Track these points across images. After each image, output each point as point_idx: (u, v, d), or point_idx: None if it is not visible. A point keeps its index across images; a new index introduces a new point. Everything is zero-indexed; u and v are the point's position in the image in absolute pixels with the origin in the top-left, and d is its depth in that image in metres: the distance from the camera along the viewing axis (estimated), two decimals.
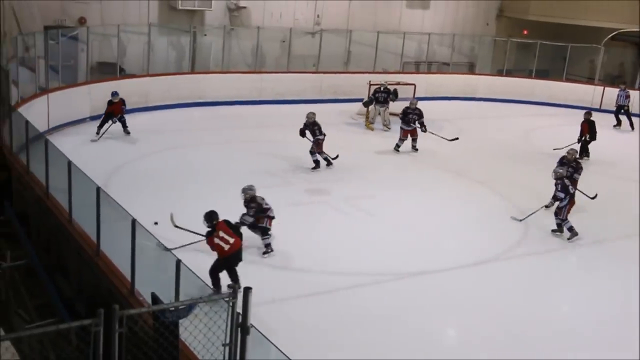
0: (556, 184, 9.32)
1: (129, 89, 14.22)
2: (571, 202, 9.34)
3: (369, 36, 18.86)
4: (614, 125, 16.98)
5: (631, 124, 17.01)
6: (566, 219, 9.34)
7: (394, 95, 15.20)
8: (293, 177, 11.23)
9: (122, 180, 10.29)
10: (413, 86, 16.68)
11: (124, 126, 12.68)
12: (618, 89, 17.24)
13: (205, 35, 17.19)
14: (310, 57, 18.57)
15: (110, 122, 12.38)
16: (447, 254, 8.77)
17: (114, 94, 12.58)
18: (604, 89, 19.07)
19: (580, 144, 13.39)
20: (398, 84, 16.56)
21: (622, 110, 17.01)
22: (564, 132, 16.18)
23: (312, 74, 17.94)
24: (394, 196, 10.80)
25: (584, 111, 14.23)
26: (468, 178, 12.01)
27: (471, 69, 21.41)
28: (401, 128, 13.20)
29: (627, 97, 17.05)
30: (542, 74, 20.23)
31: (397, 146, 13.21)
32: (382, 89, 15.13)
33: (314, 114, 11.61)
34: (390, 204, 10.40)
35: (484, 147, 14.29)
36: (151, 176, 10.67)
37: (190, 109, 15.58)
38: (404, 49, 19.26)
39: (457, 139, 13.28)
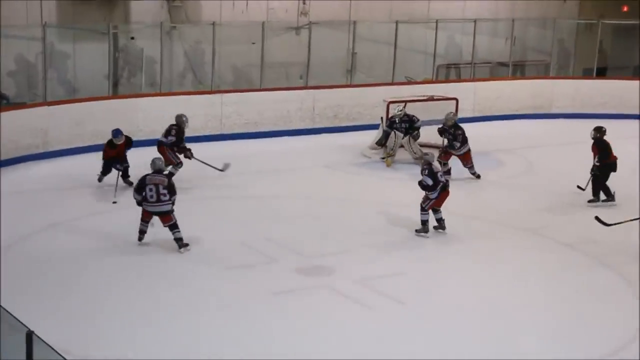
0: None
1: (14, 126, 14.19)
2: (442, 194, 11.68)
3: (383, 29, 19.10)
4: None
5: None
6: (427, 210, 11.74)
7: (415, 129, 15.35)
8: (277, 249, 11.21)
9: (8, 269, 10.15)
10: (454, 101, 16.72)
11: (125, 176, 13.46)
12: None
13: (133, 38, 17.49)
14: (294, 65, 18.70)
15: (116, 171, 13.32)
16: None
17: (117, 133, 13.38)
18: None
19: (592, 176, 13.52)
20: (431, 98, 16.63)
21: None
22: None
23: (299, 90, 18.15)
24: (434, 271, 10.85)
25: None
26: (550, 239, 12.15)
27: (544, 71, 21.58)
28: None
29: None
30: None
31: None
32: (400, 117, 15.36)
33: None
34: (430, 284, 10.44)
35: (570, 193, 14.26)
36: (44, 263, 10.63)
37: None
38: (437, 46, 19.48)
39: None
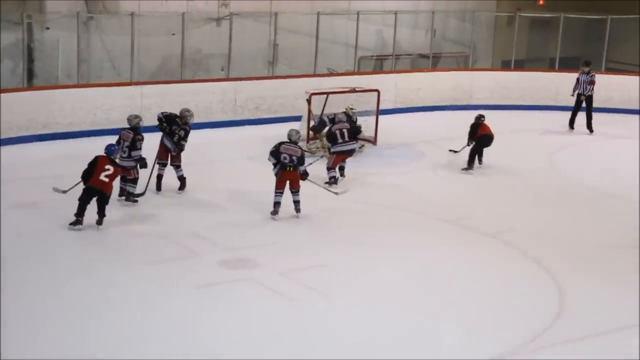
0: None
1: None
2: (280, 175, 12.06)
3: (305, 21, 19.11)
4: (570, 127, 18.68)
5: (589, 123, 18.43)
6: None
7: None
8: (200, 243, 11.09)
9: None
10: (376, 93, 16.80)
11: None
12: (580, 72, 18.43)
13: (48, 28, 17.08)
14: (215, 57, 18.56)
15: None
16: (450, 352, 8.71)
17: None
18: None
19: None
20: (353, 90, 16.71)
21: (585, 100, 18.37)
22: (608, 150, 16.66)
23: (220, 81, 18.03)
24: (358, 264, 10.85)
25: (638, 116, 14.79)
26: (472, 230, 12.32)
27: (463, 63, 21.87)
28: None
29: (591, 83, 18.29)
30: (569, 64, 20.87)
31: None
32: (350, 116, 15.03)
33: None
34: (354, 277, 10.45)
35: (490, 183, 14.71)
36: None
37: (30, 145, 15.42)
38: (358, 38, 19.56)
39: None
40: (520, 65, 21.73)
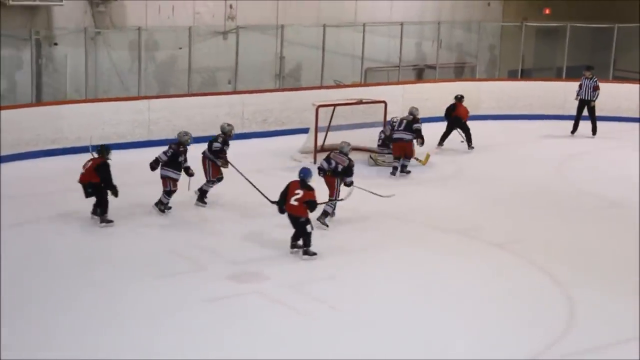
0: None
1: None
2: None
3: (311, 33, 19.16)
4: (572, 132, 18.95)
5: (594, 127, 18.72)
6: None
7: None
8: (209, 256, 11.16)
9: None
10: (382, 104, 16.84)
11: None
12: (583, 77, 18.65)
13: (56, 44, 17.12)
14: (222, 70, 18.59)
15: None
16: None
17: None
18: None
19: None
20: (360, 102, 16.75)
21: (587, 107, 18.71)
22: (616, 159, 16.66)
23: (227, 95, 18.12)
24: (367, 276, 10.86)
25: None
26: (479, 240, 12.33)
27: (470, 73, 21.86)
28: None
29: (596, 88, 18.46)
30: (576, 73, 20.72)
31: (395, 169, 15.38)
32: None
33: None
34: (364, 290, 10.45)
35: (497, 192, 14.70)
36: None
37: (38, 160, 15.47)
38: (364, 50, 19.60)
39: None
40: (527, 75, 21.73)
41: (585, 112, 18.82)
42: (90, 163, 12.04)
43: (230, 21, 18.95)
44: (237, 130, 17.61)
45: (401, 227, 12.82)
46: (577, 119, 18.87)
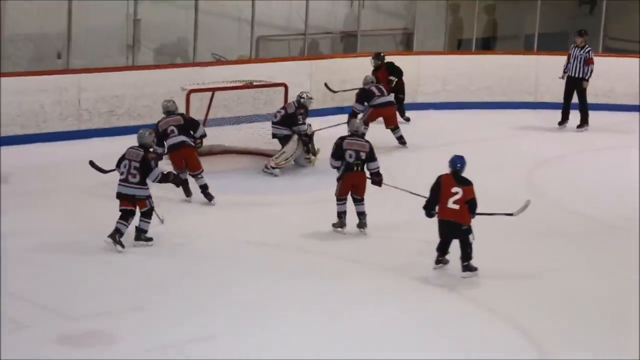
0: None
1: None
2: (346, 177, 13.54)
3: None
4: (559, 123, 19.87)
5: (584, 117, 19.57)
6: (340, 198, 13.66)
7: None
8: (31, 310, 11.12)
9: None
10: (282, 88, 16.99)
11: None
12: (572, 46, 19.38)
13: None
14: (49, 39, 18.56)
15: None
16: None
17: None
18: None
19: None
20: (250, 85, 16.95)
21: (577, 88, 19.31)
22: (607, 163, 17.04)
23: (56, 75, 18.08)
24: (257, 333, 10.88)
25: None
26: (422, 282, 12.48)
27: (405, 44, 22.09)
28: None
29: (589, 62, 19.11)
30: (553, 44, 21.41)
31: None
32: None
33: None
34: (253, 354, 10.49)
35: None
36: None
37: None
38: (255, 11, 19.81)
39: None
40: (484, 46, 22.19)
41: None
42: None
43: None
44: (71, 126, 17.66)
45: (309, 260, 13.01)
46: (566, 104, 19.39)
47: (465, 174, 12.09)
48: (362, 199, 13.60)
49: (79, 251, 12.88)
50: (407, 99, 20.24)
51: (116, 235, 12.67)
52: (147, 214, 12.90)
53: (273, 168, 16.04)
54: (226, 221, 14.29)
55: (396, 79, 19.52)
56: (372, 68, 19.02)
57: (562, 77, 19.34)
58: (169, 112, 14.84)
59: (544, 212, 14.94)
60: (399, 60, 20.37)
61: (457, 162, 12.06)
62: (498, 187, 15.71)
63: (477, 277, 12.34)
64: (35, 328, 10.64)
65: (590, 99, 19.55)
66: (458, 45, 22.36)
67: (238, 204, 14.92)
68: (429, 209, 12.16)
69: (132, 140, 17.00)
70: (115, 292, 11.64)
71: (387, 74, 19.35)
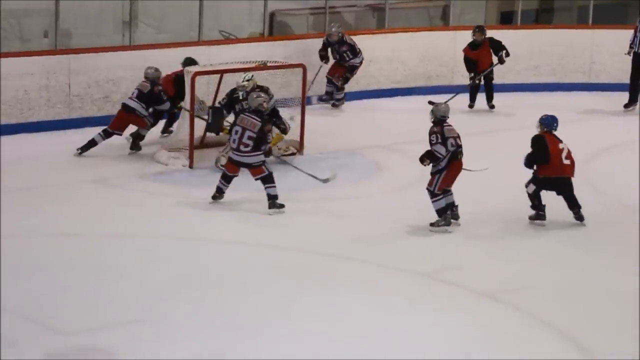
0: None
1: None
2: (452, 167, 13.81)
3: None
4: (625, 105, 20.08)
5: None
6: (440, 193, 13.89)
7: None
8: (20, 324, 11.00)
9: None
10: (300, 69, 17.03)
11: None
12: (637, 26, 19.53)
13: None
14: (35, 15, 18.75)
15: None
16: None
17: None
18: None
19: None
20: (264, 67, 16.85)
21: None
22: None
23: (44, 55, 18.23)
24: (273, 348, 10.82)
25: None
26: (461, 287, 12.48)
27: (440, 18, 22.12)
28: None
29: None
30: (611, 17, 21.46)
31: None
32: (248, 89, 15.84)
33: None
34: None
35: (489, 215, 14.92)
36: None
37: None
38: None
39: None
40: (530, 20, 22.04)
41: None
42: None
43: None
44: (60, 114, 17.68)
45: (336, 267, 12.95)
46: (633, 83, 19.53)
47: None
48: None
49: (71, 257, 12.85)
50: (444, 81, 20.20)
51: (217, 195, 14.44)
52: (267, 180, 14.25)
53: (222, 165, 15.86)
54: (235, 223, 14.29)
55: (500, 61, 19.54)
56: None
57: (629, 53, 19.44)
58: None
59: (598, 208, 14.95)
60: (433, 37, 20.40)
61: (554, 122, 13.98)
62: None
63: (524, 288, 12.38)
64: (21, 345, 10.55)
65: None
66: (501, 19, 22.18)
67: (247, 202, 14.89)
68: (535, 164, 13.80)
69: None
70: (112, 303, 11.61)
71: (490, 52, 19.53)
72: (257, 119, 14.17)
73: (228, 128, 15.59)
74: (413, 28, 21.46)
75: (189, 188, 15.36)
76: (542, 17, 22.92)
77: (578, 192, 14.11)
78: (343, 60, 19.32)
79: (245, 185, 14.77)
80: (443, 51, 20.72)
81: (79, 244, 13.13)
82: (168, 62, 17.79)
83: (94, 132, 17.12)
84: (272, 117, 15.43)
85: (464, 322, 11.46)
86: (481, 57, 19.14)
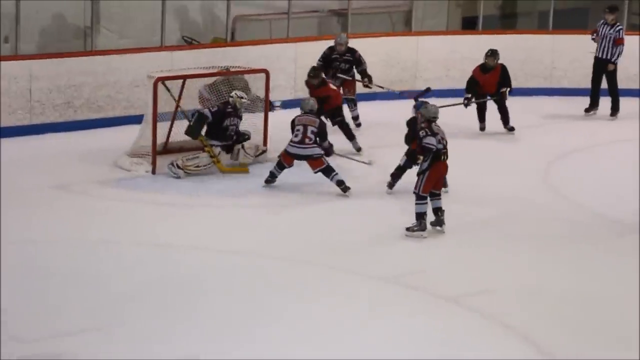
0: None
1: None
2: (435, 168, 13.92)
3: None
4: (586, 109, 20.23)
5: (615, 104, 19.87)
6: (426, 196, 14.01)
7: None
8: None
9: None
10: (263, 75, 17.08)
11: None
12: (601, 22, 19.59)
13: None
14: None
15: None
16: None
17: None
18: None
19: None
20: (227, 72, 16.91)
21: (605, 72, 19.58)
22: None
23: (5, 61, 18.00)
24: (244, 356, 10.88)
25: None
26: (424, 292, 12.56)
27: (402, 23, 22.24)
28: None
29: (619, 42, 19.34)
30: (571, 22, 21.66)
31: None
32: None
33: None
34: None
35: (456, 217, 14.84)
36: None
37: None
38: None
39: None
40: (491, 26, 22.16)
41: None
42: None
43: None
44: (23, 120, 17.61)
45: (297, 273, 13.03)
46: (594, 88, 19.60)
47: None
48: (440, 193, 14.18)
49: (34, 264, 12.84)
50: (405, 86, 20.27)
51: (269, 179, 15.58)
52: (328, 170, 15.37)
53: (179, 168, 15.93)
54: (199, 228, 14.29)
55: (508, 90, 18.79)
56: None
57: (594, 40, 19.51)
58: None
59: (565, 215, 15.10)
60: (395, 42, 20.48)
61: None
62: (513, 187, 15.83)
63: (490, 288, 12.49)
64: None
65: (622, 84, 19.80)
66: (462, 25, 22.25)
67: (218, 207, 14.99)
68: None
69: (92, 135, 17.19)
70: (75, 310, 11.55)
71: (497, 80, 18.81)
72: (315, 117, 15.49)
73: (204, 137, 15.82)
74: (376, 33, 21.55)
75: (153, 194, 15.35)
76: (504, 22, 22.94)
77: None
78: (348, 72, 18.80)
79: (205, 191, 14.90)
80: (406, 56, 20.77)
81: (41, 251, 13.11)
82: (130, 67, 17.89)
83: (55, 138, 17.18)
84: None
85: (425, 325, 11.53)
86: (488, 82, 18.74)
